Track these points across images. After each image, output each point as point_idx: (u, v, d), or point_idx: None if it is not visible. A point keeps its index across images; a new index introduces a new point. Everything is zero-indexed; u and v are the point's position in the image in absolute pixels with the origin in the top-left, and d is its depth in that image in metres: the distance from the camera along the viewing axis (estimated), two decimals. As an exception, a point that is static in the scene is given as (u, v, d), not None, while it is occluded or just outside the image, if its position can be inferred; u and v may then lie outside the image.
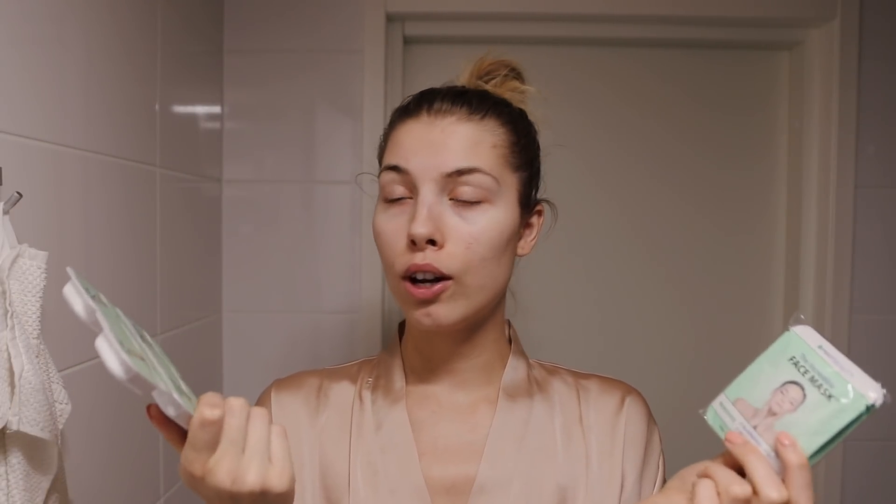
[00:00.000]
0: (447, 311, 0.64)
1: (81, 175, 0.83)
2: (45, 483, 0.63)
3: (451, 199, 0.64)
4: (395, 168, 0.65)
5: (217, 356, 1.35)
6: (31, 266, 0.62)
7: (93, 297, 0.46)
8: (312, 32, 1.35)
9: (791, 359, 0.50)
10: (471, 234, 0.63)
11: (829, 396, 0.47)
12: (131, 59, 0.96)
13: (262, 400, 0.74)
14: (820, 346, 0.50)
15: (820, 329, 1.36)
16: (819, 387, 0.48)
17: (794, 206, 1.44)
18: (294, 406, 0.72)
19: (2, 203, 0.62)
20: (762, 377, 0.52)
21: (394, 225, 0.65)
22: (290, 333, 1.38)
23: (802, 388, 0.49)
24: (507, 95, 0.72)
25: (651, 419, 0.74)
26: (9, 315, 0.59)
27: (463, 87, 0.70)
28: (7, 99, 0.68)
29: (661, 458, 0.73)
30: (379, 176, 0.68)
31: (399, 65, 1.40)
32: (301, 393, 0.73)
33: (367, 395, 0.71)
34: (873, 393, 0.45)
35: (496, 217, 0.65)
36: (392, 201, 0.66)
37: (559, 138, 1.46)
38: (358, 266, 1.37)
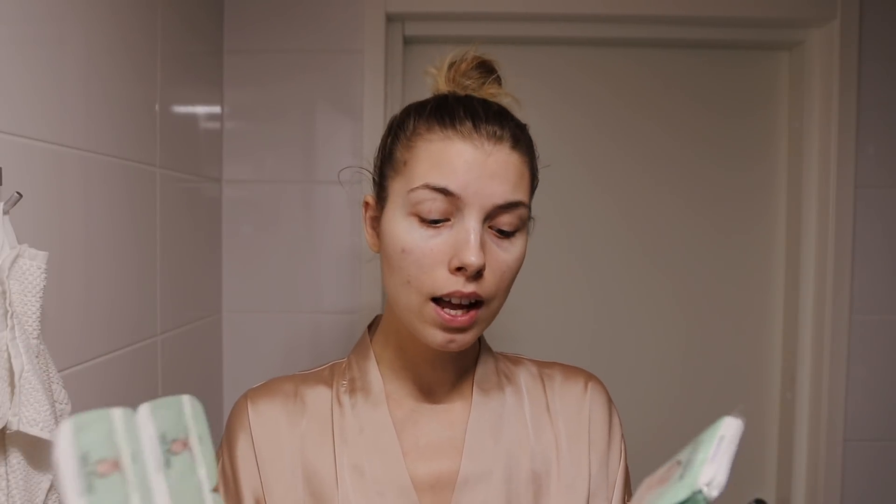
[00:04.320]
0: (471, 337, 0.65)
1: (82, 175, 0.83)
2: (45, 483, 0.63)
3: (489, 228, 0.64)
4: (443, 190, 0.62)
5: (217, 356, 1.35)
6: (31, 266, 0.62)
7: (96, 467, 0.38)
8: (312, 32, 1.35)
9: (697, 441, 0.51)
10: (506, 262, 0.64)
11: (682, 477, 0.47)
12: (131, 60, 0.96)
13: (237, 411, 0.72)
14: (722, 437, 0.49)
15: (820, 329, 1.38)
16: (685, 468, 0.48)
17: (794, 207, 1.44)
18: (273, 413, 0.71)
19: (2, 203, 0.62)
20: (681, 453, 0.53)
21: (431, 245, 0.62)
22: (290, 333, 1.38)
23: (679, 467, 0.50)
24: (486, 98, 0.71)
25: (612, 404, 0.76)
26: (9, 315, 0.59)
27: (498, 105, 0.69)
28: (7, 99, 0.68)
29: (623, 441, 0.75)
30: (412, 189, 0.63)
31: (399, 65, 1.40)
32: (278, 399, 0.72)
33: (345, 398, 0.71)
34: (706, 478, 0.45)
35: (522, 245, 0.66)
36: (424, 220, 0.63)
37: (559, 139, 1.47)
38: (358, 266, 1.37)
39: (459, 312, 0.63)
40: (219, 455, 0.72)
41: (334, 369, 0.75)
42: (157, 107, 1.04)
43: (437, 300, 0.63)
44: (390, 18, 1.36)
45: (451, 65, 0.73)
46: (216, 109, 1.33)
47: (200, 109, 1.25)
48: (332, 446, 0.69)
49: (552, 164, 1.53)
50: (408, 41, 1.42)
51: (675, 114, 1.46)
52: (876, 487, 1.39)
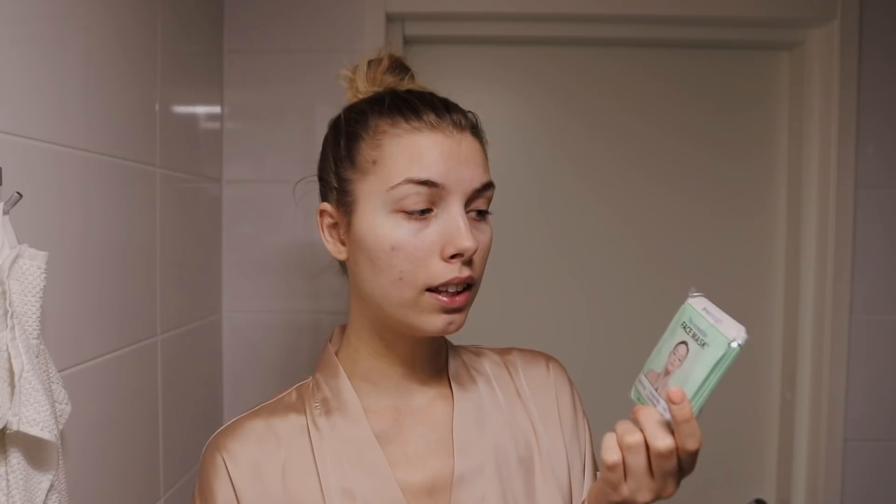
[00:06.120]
0: (464, 318, 0.67)
1: (81, 175, 0.83)
2: (45, 483, 0.63)
3: (468, 212, 0.66)
4: (426, 182, 0.62)
5: (217, 356, 1.35)
6: (31, 266, 0.62)
7: None
8: (312, 33, 1.35)
9: (682, 324, 0.57)
10: (485, 243, 0.67)
11: (703, 345, 0.53)
12: (131, 60, 0.96)
13: (210, 461, 0.68)
14: (704, 308, 0.55)
15: (820, 329, 1.38)
16: (697, 339, 0.54)
17: (795, 207, 1.44)
18: (249, 455, 0.67)
19: (2, 203, 0.62)
20: (664, 347, 0.59)
21: (421, 238, 0.63)
22: (290, 333, 1.38)
23: (687, 345, 0.55)
24: None
25: (571, 381, 0.80)
26: (9, 315, 0.59)
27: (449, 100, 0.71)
28: (7, 99, 0.68)
29: (585, 414, 0.79)
30: (393, 186, 0.63)
31: (399, 65, 1.40)
32: (251, 439, 0.68)
33: (322, 421, 0.69)
34: (733, 332, 0.51)
35: (491, 225, 0.69)
36: (411, 214, 0.63)
37: (559, 139, 1.46)
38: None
39: (456, 294, 0.65)
40: None
41: (302, 392, 0.73)
42: (156, 107, 1.04)
43: (432, 289, 0.64)
44: (390, 18, 1.36)
45: (371, 63, 0.74)
46: (216, 109, 1.33)
47: (200, 109, 1.25)
48: (315, 474, 0.67)
49: (553, 164, 1.53)
50: (408, 41, 1.42)
51: (675, 114, 1.46)
52: (876, 487, 1.39)
